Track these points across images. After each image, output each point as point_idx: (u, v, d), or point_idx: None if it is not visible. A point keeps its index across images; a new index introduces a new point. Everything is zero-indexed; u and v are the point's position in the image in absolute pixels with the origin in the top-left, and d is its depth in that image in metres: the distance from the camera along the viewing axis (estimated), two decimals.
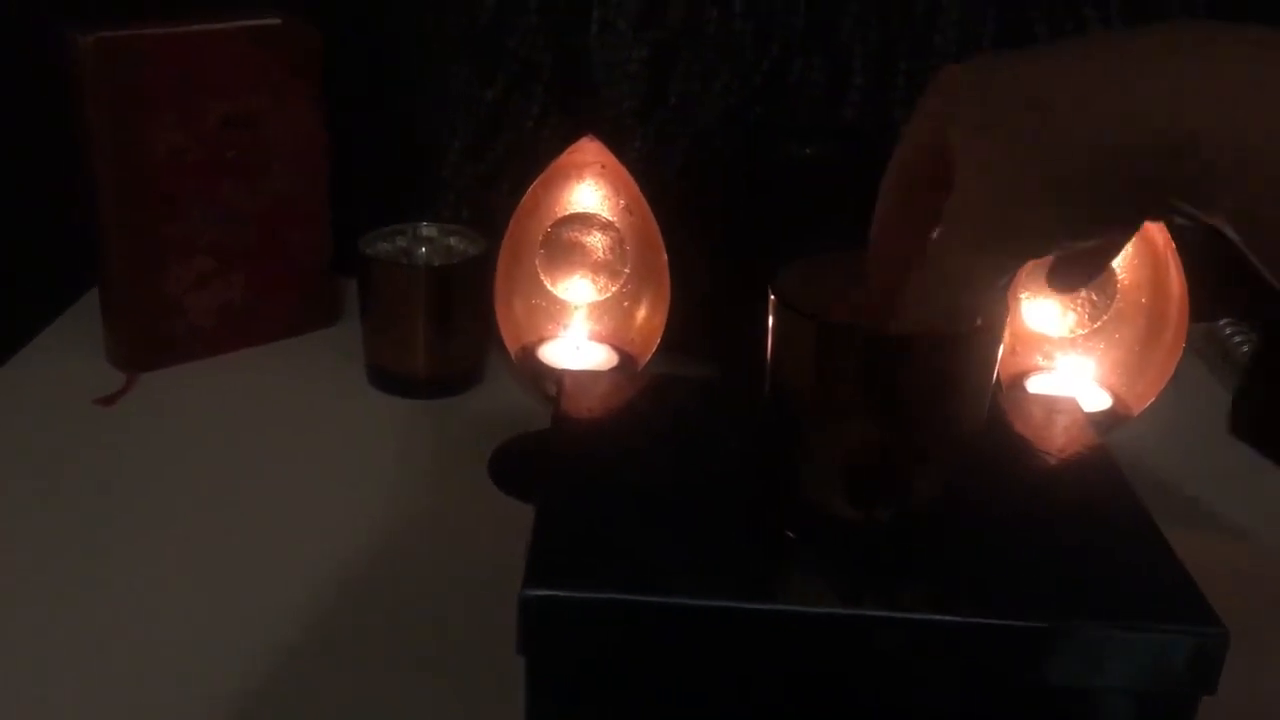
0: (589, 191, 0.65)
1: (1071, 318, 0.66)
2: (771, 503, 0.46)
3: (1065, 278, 0.42)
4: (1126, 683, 0.42)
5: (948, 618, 0.42)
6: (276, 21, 0.76)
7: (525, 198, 0.65)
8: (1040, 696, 0.43)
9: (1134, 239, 0.63)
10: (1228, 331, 0.84)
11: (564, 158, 0.64)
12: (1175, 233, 0.72)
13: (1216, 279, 0.83)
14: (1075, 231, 0.36)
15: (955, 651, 0.42)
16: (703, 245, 0.77)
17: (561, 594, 0.41)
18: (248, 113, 0.76)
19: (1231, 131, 0.32)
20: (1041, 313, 0.66)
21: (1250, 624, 0.56)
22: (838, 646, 0.42)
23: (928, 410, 0.42)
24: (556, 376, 0.58)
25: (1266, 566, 0.63)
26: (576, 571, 0.42)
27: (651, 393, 0.57)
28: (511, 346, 0.67)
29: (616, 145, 0.69)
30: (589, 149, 0.64)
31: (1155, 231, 0.63)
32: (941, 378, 0.41)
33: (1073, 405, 0.56)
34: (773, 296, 0.43)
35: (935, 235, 0.37)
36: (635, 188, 0.65)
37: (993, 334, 0.42)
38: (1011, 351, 0.67)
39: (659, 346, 0.69)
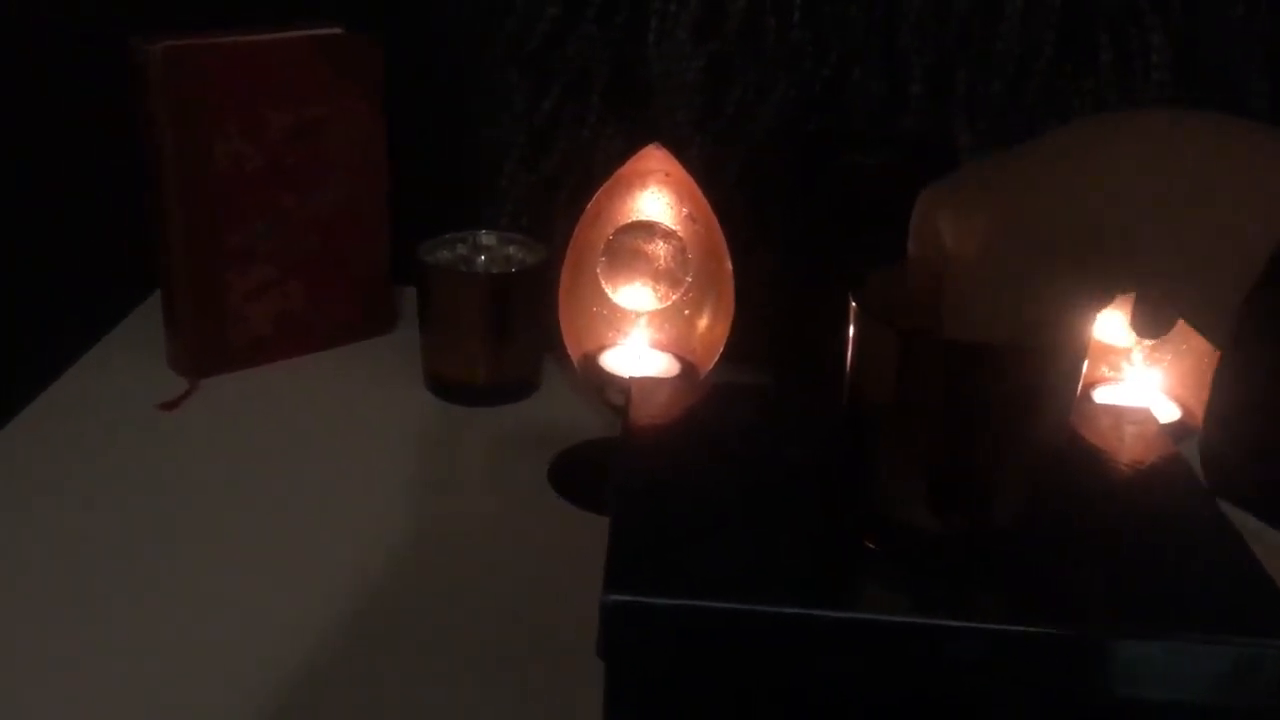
0: (652, 200, 0.66)
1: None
2: (849, 511, 0.46)
3: (1139, 329, 0.44)
4: (1208, 697, 0.41)
5: (1025, 628, 0.41)
6: (337, 31, 0.77)
7: (589, 205, 0.66)
8: (1119, 710, 0.42)
9: None
10: None
11: (628, 166, 0.65)
12: None
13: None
14: (1051, 311, 0.39)
15: (1031, 662, 0.41)
16: (761, 255, 0.77)
17: (642, 599, 0.41)
18: (309, 122, 0.77)
19: (1137, 209, 0.34)
20: (1108, 323, 0.66)
21: None
22: (913, 655, 0.42)
23: (1008, 422, 0.42)
24: (622, 384, 0.58)
25: None
26: (655, 577, 0.42)
27: (717, 401, 0.57)
28: (574, 354, 0.68)
29: (674, 155, 0.69)
30: (654, 157, 0.64)
31: None
32: (1023, 390, 0.41)
33: (1146, 415, 0.55)
34: (854, 305, 0.42)
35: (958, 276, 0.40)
36: (700, 196, 0.65)
37: (1076, 348, 0.41)
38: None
39: (724, 355, 0.69)
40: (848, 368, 0.44)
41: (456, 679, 0.54)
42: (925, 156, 0.79)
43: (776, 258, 0.77)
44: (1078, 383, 0.42)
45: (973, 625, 0.41)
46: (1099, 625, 0.41)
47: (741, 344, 0.73)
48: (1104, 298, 0.39)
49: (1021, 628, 0.41)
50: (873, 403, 0.43)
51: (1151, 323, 0.43)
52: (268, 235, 0.77)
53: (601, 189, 0.65)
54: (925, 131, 0.81)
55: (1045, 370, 0.41)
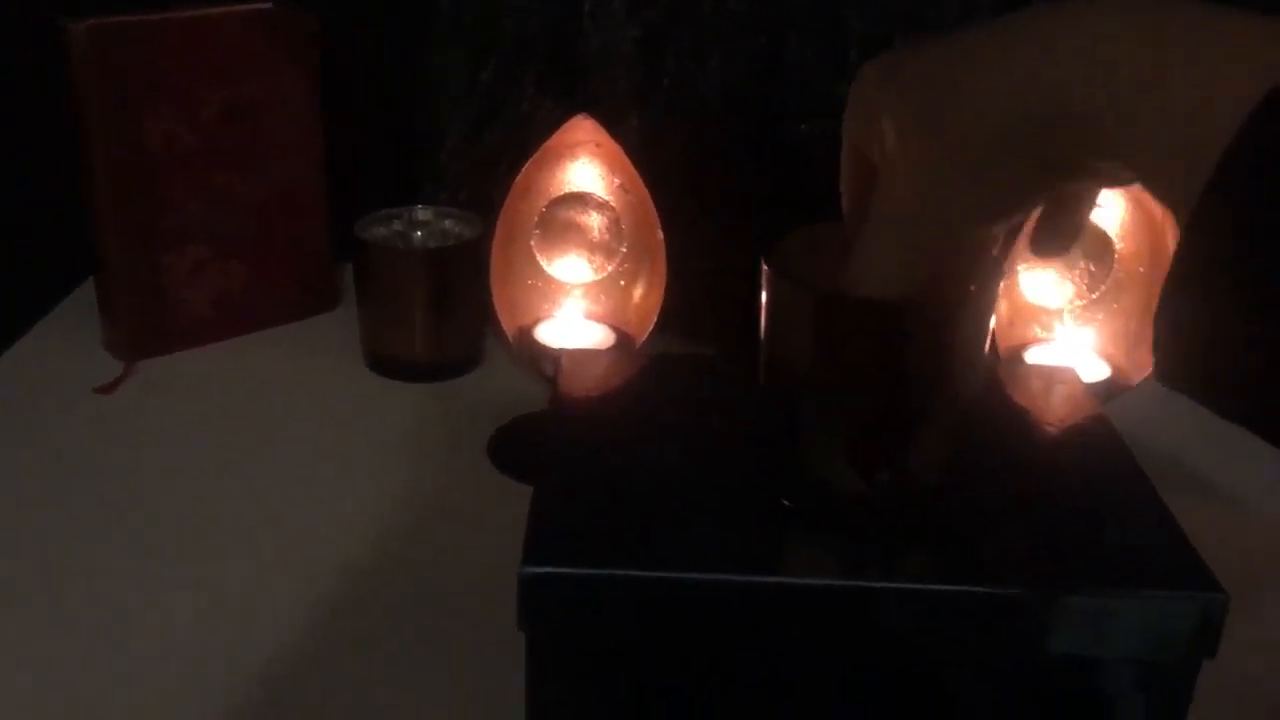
0: (584, 171, 0.65)
1: (1069, 288, 0.66)
2: (772, 475, 0.46)
3: (1042, 245, 0.43)
4: (1129, 650, 0.42)
5: (950, 587, 0.42)
6: (270, 6, 0.76)
7: (519, 178, 0.65)
8: (1042, 665, 0.43)
9: (1130, 207, 0.63)
10: None
11: (557, 137, 0.64)
12: None
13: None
14: (993, 212, 0.37)
15: (957, 621, 0.42)
16: (702, 225, 0.76)
17: (560, 570, 0.41)
18: (244, 100, 0.76)
19: (1105, 91, 0.33)
20: (1039, 284, 0.66)
21: (1248, 589, 0.56)
22: (839, 618, 0.42)
23: (924, 376, 0.42)
24: (554, 356, 0.58)
25: (1263, 532, 0.63)
26: (574, 548, 0.42)
27: (650, 371, 0.57)
28: (508, 328, 0.67)
29: (613, 126, 0.68)
30: (583, 127, 0.64)
31: (1152, 201, 0.62)
32: (937, 343, 0.41)
33: (1072, 375, 0.55)
34: (767, 268, 0.42)
35: (861, 229, 0.39)
36: (630, 166, 0.65)
37: (986, 299, 0.42)
38: (1010, 323, 0.67)
39: (661, 326, 0.69)
40: (763, 332, 0.44)
41: (393, 652, 0.54)
42: None
43: (716, 228, 0.77)
44: (987, 334, 0.42)
45: (897, 586, 0.42)
46: (1020, 583, 0.41)
47: (682, 315, 0.73)
48: (1058, 186, 0.38)
49: (945, 587, 0.42)
50: (790, 364, 0.43)
51: (1053, 238, 0.42)
52: (204, 214, 0.77)
53: (531, 160, 0.65)
54: None
55: (957, 323, 0.41)
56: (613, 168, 0.65)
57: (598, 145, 0.65)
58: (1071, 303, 0.66)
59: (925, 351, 0.41)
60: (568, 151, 0.65)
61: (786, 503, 0.45)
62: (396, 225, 0.77)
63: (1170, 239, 0.63)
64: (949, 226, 0.38)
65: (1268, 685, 0.52)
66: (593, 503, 0.45)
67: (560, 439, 0.50)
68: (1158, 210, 0.63)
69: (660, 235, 0.67)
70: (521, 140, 0.81)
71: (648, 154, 0.75)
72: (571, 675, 0.43)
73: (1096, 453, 0.50)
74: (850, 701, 0.44)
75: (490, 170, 0.82)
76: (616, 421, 0.52)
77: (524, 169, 0.65)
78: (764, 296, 0.43)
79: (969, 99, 0.35)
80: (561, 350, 0.57)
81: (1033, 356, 0.65)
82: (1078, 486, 0.48)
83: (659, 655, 0.43)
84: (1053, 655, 0.42)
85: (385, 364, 0.76)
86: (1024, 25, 0.35)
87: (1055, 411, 0.53)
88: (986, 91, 0.35)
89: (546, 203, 0.66)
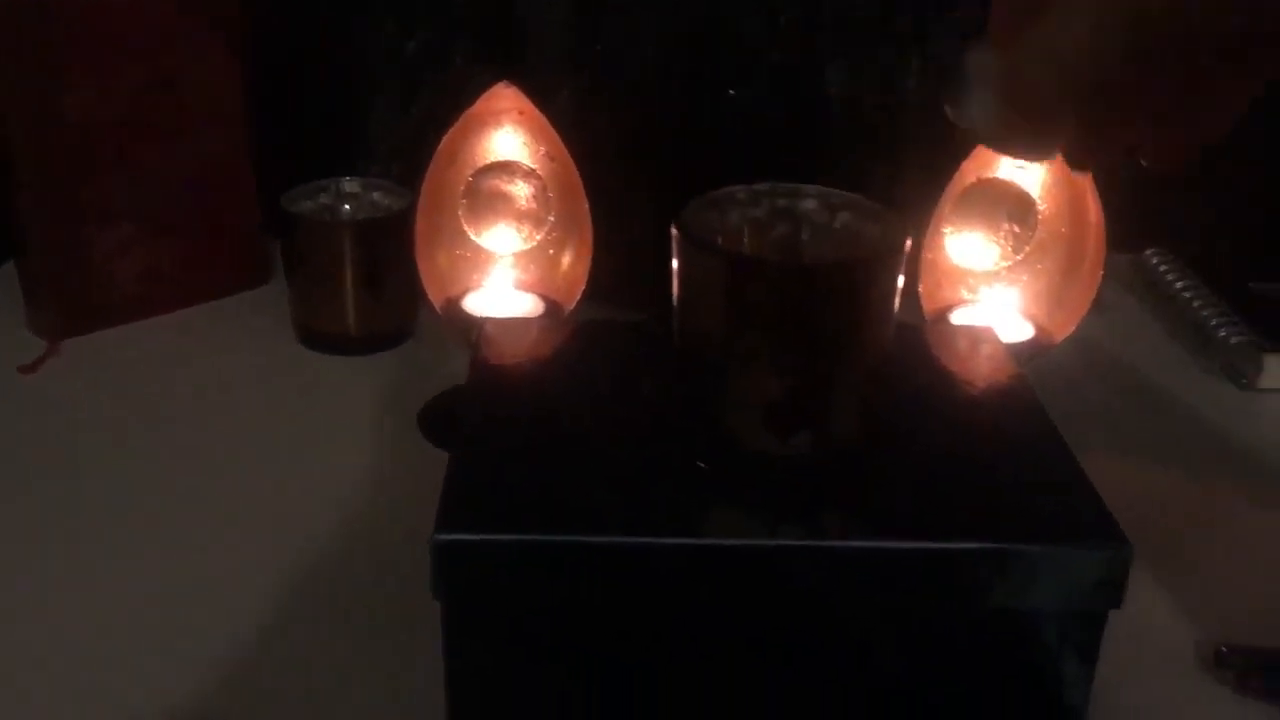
0: (508, 139, 0.65)
1: (995, 250, 0.66)
2: (689, 439, 0.46)
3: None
4: (1039, 601, 0.42)
5: (865, 544, 0.42)
6: None
7: (442, 146, 0.65)
8: (954, 618, 0.43)
9: (1052, 167, 0.64)
10: (1154, 262, 0.85)
11: (479, 105, 0.64)
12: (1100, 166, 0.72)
13: (1142, 211, 0.84)
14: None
15: (873, 578, 0.42)
16: (634, 191, 0.76)
17: (472, 537, 0.41)
18: (165, 72, 0.75)
19: None
20: (965, 247, 0.67)
21: (1156, 543, 0.57)
22: (756, 578, 0.42)
23: (836, 336, 0.42)
24: (477, 325, 0.57)
25: (1173, 488, 0.64)
26: (488, 514, 0.42)
27: (573, 338, 0.57)
28: (436, 299, 0.67)
29: (544, 95, 0.68)
30: (504, 95, 0.64)
31: None
32: (849, 303, 0.42)
33: (990, 335, 0.56)
34: (676, 232, 0.42)
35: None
36: (554, 134, 0.65)
37: (897, 259, 0.42)
38: (937, 286, 0.67)
39: (593, 294, 0.69)
40: (676, 296, 0.44)
41: (321, 621, 0.53)
42: (794, 90, 0.79)
43: (647, 195, 0.76)
44: (897, 293, 0.43)
45: (814, 544, 0.42)
46: (933, 539, 0.42)
47: (614, 282, 0.73)
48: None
49: (860, 544, 0.42)
50: (703, 328, 0.43)
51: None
52: (127, 190, 0.75)
53: (454, 129, 0.64)
54: (795, 65, 0.81)
55: (867, 282, 0.42)
56: (537, 135, 0.65)
57: (521, 113, 0.64)
58: (997, 264, 0.66)
59: (836, 312, 0.42)
60: (491, 119, 0.64)
61: (703, 465, 0.45)
62: (324, 198, 0.76)
63: (1090, 198, 0.64)
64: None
65: (1171, 635, 0.53)
66: (508, 469, 0.45)
67: (478, 407, 0.50)
68: None
69: (586, 203, 0.66)
70: (451, 111, 0.80)
71: (580, 122, 0.74)
72: (488, 642, 0.43)
73: (1012, 411, 0.50)
74: (771, 661, 0.44)
75: (419, 141, 0.81)
76: (536, 389, 0.52)
77: (446, 137, 0.65)
78: (675, 261, 0.43)
79: None
80: (484, 319, 0.57)
81: (958, 318, 0.66)
82: (992, 444, 0.48)
83: (576, 620, 0.43)
84: (964, 608, 0.43)
85: (316, 338, 0.76)
86: None
87: (974, 371, 0.54)
88: None
89: (472, 172, 0.65)
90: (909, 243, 0.42)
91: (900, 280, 0.42)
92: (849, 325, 0.42)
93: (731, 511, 0.44)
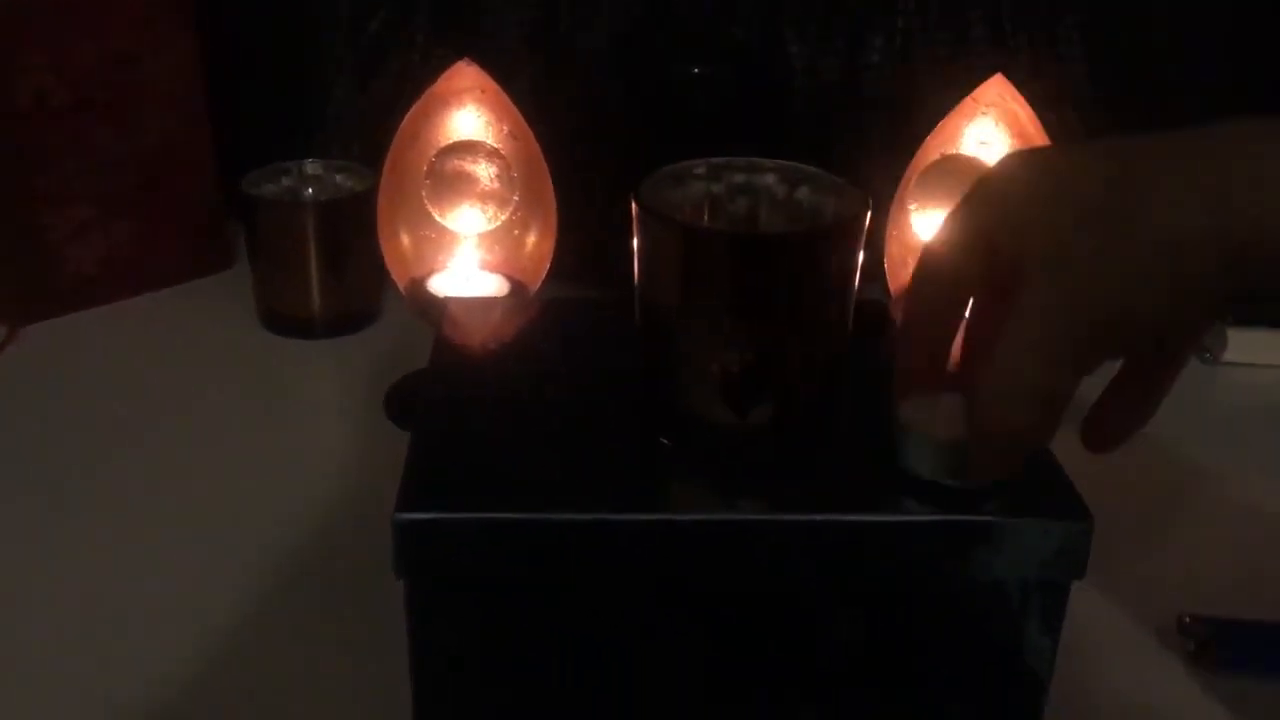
0: (470, 118, 0.64)
1: None
2: (650, 415, 0.46)
3: (1116, 423, 0.43)
4: (1002, 573, 0.42)
5: (825, 517, 0.42)
6: None
7: (403, 126, 0.64)
8: (919, 592, 0.43)
9: (1016, 144, 0.64)
10: None
11: (440, 84, 0.63)
12: (1063, 140, 0.72)
13: None
14: (1159, 322, 0.36)
15: (834, 551, 0.42)
16: (600, 170, 0.76)
17: (434, 516, 0.41)
18: (121, 53, 0.74)
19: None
20: (931, 224, 0.67)
21: (1125, 514, 0.58)
22: (719, 553, 0.42)
23: (794, 310, 0.42)
24: (441, 305, 0.57)
25: (1142, 458, 0.64)
26: (450, 493, 0.42)
27: (536, 317, 0.57)
28: (400, 280, 0.66)
29: (505, 74, 0.67)
30: (466, 74, 0.63)
31: (1036, 136, 0.63)
32: (807, 277, 0.42)
33: None
34: (636, 206, 0.42)
35: (1003, 343, 0.37)
36: (516, 112, 0.64)
37: (855, 231, 0.42)
38: (902, 263, 0.67)
39: (557, 274, 0.68)
40: (636, 270, 0.43)
41: (290, 604, 0.53)
42: (757, 66, 0.79)
43: (609, 172, 0.76)
44: (858, 267, 0.43)
45: (775, 518, 0.42)
46: (894, 511, 0.42)
47: (579, 261, 0.72)
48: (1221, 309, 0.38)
49: (821, 517, 0.42)
50: (663, 301, 0.43)
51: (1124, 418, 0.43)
52: (83, 173, 0.74)
53: (415, 109, 0.64)
54: (755, 41, 0.80)
55: (827, 255, 0.41)
56: (500, 114, 0.65)
57: (483, 91, 0.64)
58: None
59: (794, 284, 0.41)
60: (453, 99, 0.64)
61: (664, 441, 0.45)
62: (286, 180, 0.75)
63: None
64: (1100, 336, 0.36)
65: (1134, 606, 0.54)
66: (470, 448, 0.44)
67: (440, 386, 0.49)
68: (1041, 145, 0.63)
69: (550, 182, 0.66)
70: (412, 90, 0.79)
71: (542, 102, 0.74)
72: (451, 619, 0.43)
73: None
74: (734, 635, 0.44)
75: (382, 121, 0.80)
76: (498, 368, 0.52)
77: (408, 117, 0.64)
78: (635, 235, 0.43)
79: (1146, 210, 0.35)
80: (447, 298, 0.57)
81: None
82: None
83: (538, 597, 0.43)
84: (926, 581, 0.43)
85: (280, 321, 0.75)
86: (1210, 148, 0.35)
87: None
88: (1179, 198, 0.35)
89: (435, 152, 0.65)
90: (868, 215, 0.42)
91: (860, 253, 0.42)
92: (807, 298, 0.42)
93: (692, 486, 0.44)
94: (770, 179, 0.45)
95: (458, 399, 0.48)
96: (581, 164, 0.73)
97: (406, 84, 0.80)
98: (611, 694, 0.45)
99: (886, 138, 0.75)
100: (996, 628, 0.44)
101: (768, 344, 0.42)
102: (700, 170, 0.45)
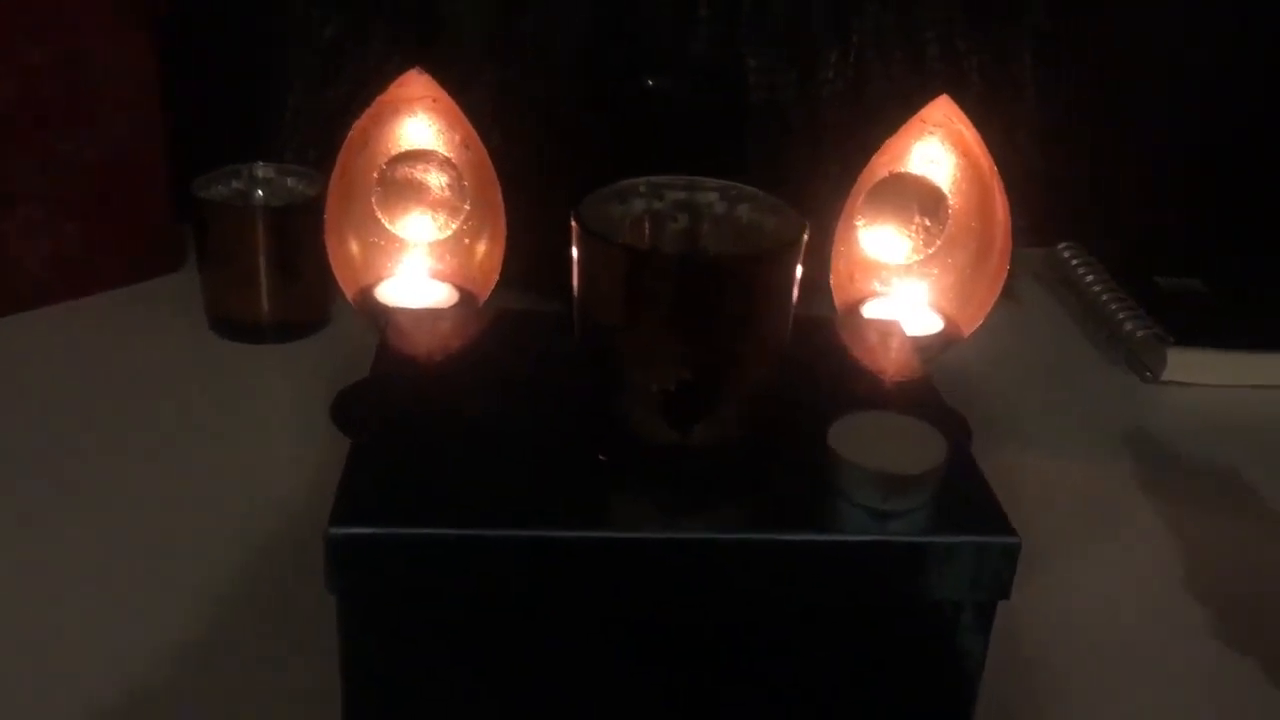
0: (421, 127, 0.64)
1: (908, 244, 0.67)
2: (590, 430, 0.46)
3: None
4: (931, 591, 0.43)
5: (760, 536, 0.42)
6: None
7: (352, 133, 0.64)
8: (850, 609, 0.44)
9: (961, 163, 0.65)
10: (1066, 256, 0.87)
11: (391, 92, 0.63)
12: (1015, 161, 0.73)
13: (1054, 206, 0.85)
14: None
15: (768, 568, 0.42)
16: (553, 182, 0.76)
17: (366, 531, 0.41)
18: (71, 52, 0.73)
19: None
20: (879, 240, 0.67)
21: (1056, 534, 0.59)
22: (656, 571, 0.42)
23: (732, 328, 0.43)
24: (386, 315, 0.57)
25: (1078, 477, 0.65)
26: (384, 508, 0.42)
27: (482, 329, 0.57)
28: (348, 288, 0.66)
29: (464, 83, 0.67)
30: (417, 82, 0.63)
31: (980, 156, 0.64)
32: (744, 296, 0.42)
33: (897, 328, 0.57)
34: (575, 224, 0.42)
35: None
36: (468, 123, 0.64)
37: (794, 251, 0.42)
38: (850, 279, 0.68)
39: (508, 283, 0.68)
40: (576, 288, 0.44)
41: (231, 611, 0.53)
42: (714, 82, 0.79)
43: (564, 184, 0.76)
44: (795, 285, 0.43)
45: (713, 537, 0.42)
46: (830, 531, 0.42)
47: (527, 271, 0.72)
48: None
49: (758, 535, 0.42)
50: (602, 320, 0.43)
51: None
52: (33, 174, 0.74)
53: (364, 116, 0.64)
54: (714, 56, 0.81)
55: (766, 276, 0.42)
56: (452, 124, 0.65)
57: (435, 100, 0.64)
58: (909, 258, 0.67)
59: (732, 304, 0.42)
60: (404, 107, 0.64)
61: (603, 458, 0.45)
62: (236, 183, 0.75)
63: (998, 195, 0.65)
64: None
65: (1060, 628, 0.54)
66: (406, 461, 0.45)
67: (380, 398, 0.49)
68: (985, 167, 0.64)
69: (500, 193, 0.66)
70: (369, 96, 0.79)
71: (497, 111, 0.74)
72: (383, 635, 0.43)
73: (909, 401, 0.51)
74: (670, 653, 0.44)
75: (336, 127, 0.80)
76: (440, 380, 0.52)
77: (357, 124, 0.64)
78: (574, 252, 0.43)
79: None
80: (392, 308, 0.57)
81: (870, 311, 0.66)
82: None
83: (473, 614, 0.43)
84: (857, 598, 0.43)
85: (229, 326, 0.75)
86: None
87: (878, 364, 0.55)
88: None
89: (386, 160, 0.65)
90: (805, 237, 0.42)
91: (799, 273, 0.43)
92: (745, 317, 0.42)
93: (630, 504, 0.44)
94: (711, 197, 0.45)
95: (397, 411, 0.48)
96: (536, 174, 0.73)
97: (362, 89, 0.80)
98: (545, 712, 0.45)
99: (840, 155, 0.76)
100: (924, 646, 0.44)
101: (706, 363, 0.43)
102: (642, 187, 0.45)
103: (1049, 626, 0.54)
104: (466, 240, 0.66)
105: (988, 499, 0.44)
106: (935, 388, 0.52)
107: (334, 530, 0.41)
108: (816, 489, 0.44)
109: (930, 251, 0.66)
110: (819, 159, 0.79)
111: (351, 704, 0.43)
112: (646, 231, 0.45)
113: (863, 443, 0.42)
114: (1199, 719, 0.50)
